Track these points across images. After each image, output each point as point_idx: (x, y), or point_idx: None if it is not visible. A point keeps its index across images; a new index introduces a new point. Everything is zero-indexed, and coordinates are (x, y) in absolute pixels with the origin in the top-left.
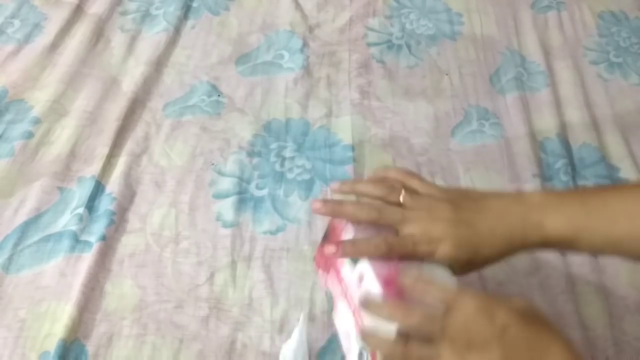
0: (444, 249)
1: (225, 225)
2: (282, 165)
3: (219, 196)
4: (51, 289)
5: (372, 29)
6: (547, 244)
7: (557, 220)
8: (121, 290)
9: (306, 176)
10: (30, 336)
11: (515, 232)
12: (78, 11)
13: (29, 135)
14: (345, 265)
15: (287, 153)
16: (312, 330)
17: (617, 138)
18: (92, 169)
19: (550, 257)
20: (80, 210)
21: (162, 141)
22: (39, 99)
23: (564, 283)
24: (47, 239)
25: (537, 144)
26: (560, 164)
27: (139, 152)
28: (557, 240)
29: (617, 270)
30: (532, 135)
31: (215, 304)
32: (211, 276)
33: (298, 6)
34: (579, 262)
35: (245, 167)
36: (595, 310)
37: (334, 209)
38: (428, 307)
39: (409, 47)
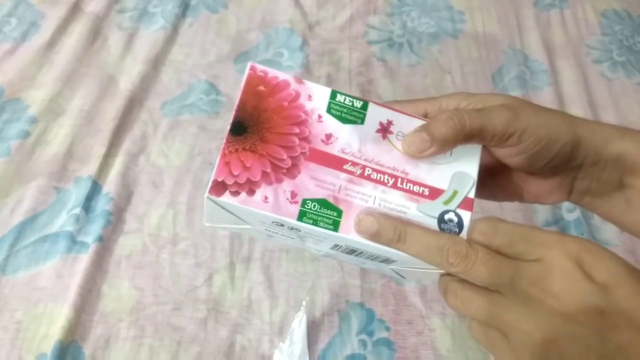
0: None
1: None
2: None
3: None
4: (48, 290)
5: (372, 27)
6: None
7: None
8: (118, 291)
9: None
10: (26, 338)
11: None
12: (75, 9)
13: (26, 134)
14: (336, 136)
15: None
16: (312, 332)
17: None
18: (89, 169)
19: None
20: (77, 210)
21: (159, 140)
22: (36, 98)
23: None
24: (43, 239)
25: None
26: None
27: (136, 152)
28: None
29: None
30: None
31: (213, 306)
32: (209, 277)
33: (297, 4)
34: None
35: None
36: None
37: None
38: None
39: (410, 45)
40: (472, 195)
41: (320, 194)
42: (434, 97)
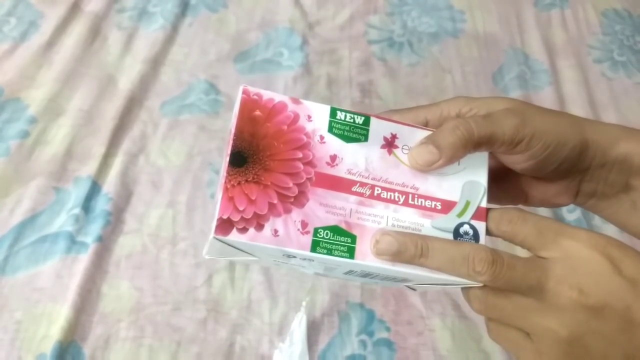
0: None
1: None
2: None
3: None
4: (47, 291)
5: (373, 26)
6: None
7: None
8: (118, 292)
9: None
10: (26, 338)
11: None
12: (74, 9)
13: (25, 134)
14: (340, 156)
15: None
16: (312, 332)
17: None
18: (88, 169)
19: None
20: (77, 210)
21: (159, 140)
22: (35, 98)
23: None
24: (43, 239)
25: None
26: None
27: (135, 152)
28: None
29: None
30: None
31: (213, 306)
32: (209, 278)
33: (297, 3)
34: None
35: None
36: None
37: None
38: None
39: (410, 44)
40: (484, 204)
41: (331, 220)
42: (433, 103)
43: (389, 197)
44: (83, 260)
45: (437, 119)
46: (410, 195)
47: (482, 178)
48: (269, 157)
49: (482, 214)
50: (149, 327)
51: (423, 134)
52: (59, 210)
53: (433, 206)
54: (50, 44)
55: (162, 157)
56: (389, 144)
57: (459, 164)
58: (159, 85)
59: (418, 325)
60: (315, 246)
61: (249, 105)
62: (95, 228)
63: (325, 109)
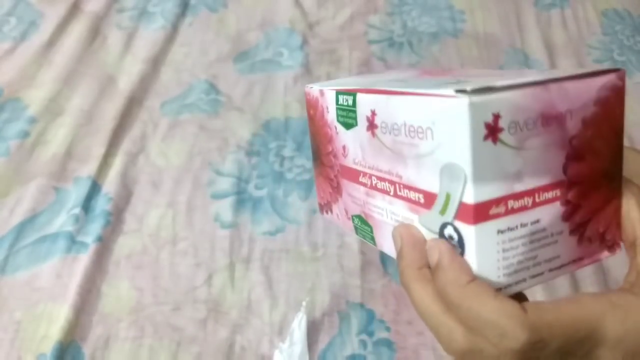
0: None
1: (224, 226)
2: (281, 164)
3: (217, 196)
4: (47, 290)
5: (373, 26)
6: None
7: None
8: (118, 292)
9: (306, 176)
10: (26, 338)
11: None
12: (74, 8)
13: (25, 134)
14: (348, 146)
15: (287, 152)
16: (312, 332)
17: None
18: (88, 169)
19: None
20: (77, 210)
21: (159, 140)
22: (35, 98)
23: (567, 285)
24: (43, 239)
25: None
26: None
27: (135, 152)
28: None
29: (622, 272)
30: None
31: (213, 306)
32: (209, 278)
33: (297, 3)
34: None
35: (243, 167)
36: None
37: None
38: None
39: (410, 44)
40: (468, 199)
41: (356, 210)
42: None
43: (382, 187)
44: (83, 260)
45: None
46: (396, 185)
47: (463, 158)
48: (320, 151)
49: (467, 213)
50: (149, 327)
51: (396, 99)
52: (59, 210)
53: (417, 199)
54: (50, 43)
55: (162, 157)
56: (371, 124)
57: (432, 138)
58: (159, 85)
59: (418, 325)
60: (356, 230)
61: (308, 104)
62: (95, 228)
63: (333, 96)
